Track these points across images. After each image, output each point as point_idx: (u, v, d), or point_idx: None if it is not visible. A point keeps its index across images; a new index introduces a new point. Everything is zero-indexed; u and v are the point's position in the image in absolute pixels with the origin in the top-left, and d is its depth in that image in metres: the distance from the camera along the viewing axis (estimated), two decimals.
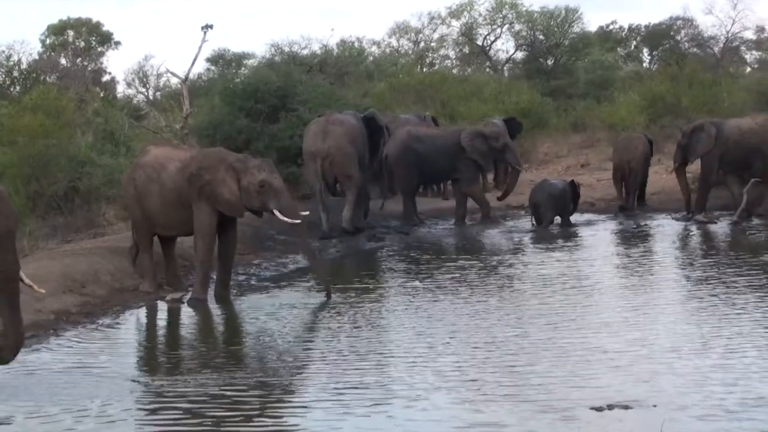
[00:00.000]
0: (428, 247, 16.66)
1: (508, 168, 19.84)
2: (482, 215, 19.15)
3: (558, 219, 18.43)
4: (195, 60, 28.49)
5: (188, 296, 12.33)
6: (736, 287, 11.78)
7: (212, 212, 12.13)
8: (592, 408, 7.29)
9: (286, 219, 12.05)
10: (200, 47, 24.64)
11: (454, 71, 42.23)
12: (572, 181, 19.19)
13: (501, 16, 41.95)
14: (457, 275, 13.43)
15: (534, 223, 18.43)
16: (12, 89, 28.82)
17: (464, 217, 19.23)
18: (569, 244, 16.29)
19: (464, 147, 18.70)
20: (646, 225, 18.33)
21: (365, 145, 17.98)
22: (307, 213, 12.91)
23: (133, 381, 8.60)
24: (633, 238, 16.91)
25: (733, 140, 18.67)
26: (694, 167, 19.27)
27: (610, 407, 7.29)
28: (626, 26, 47.70)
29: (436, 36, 44.83)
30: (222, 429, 7.25)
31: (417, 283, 12.97)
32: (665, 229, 17.90)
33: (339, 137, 17.30)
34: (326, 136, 17.27)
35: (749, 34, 45.22)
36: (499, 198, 19.64)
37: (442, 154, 18.85)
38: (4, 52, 29.55)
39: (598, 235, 17.36)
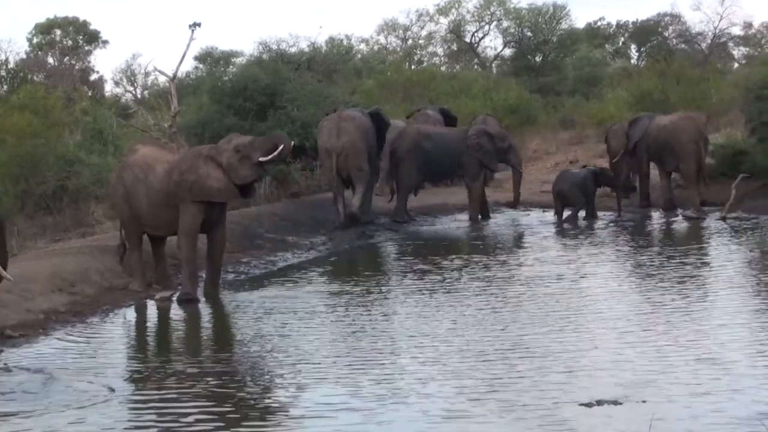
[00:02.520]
0: (417, 244, 16.69)
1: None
2: (470, 215, 19.17)
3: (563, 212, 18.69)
4: (183, 58, 28.53)
5: (177, 294, 12.32)
6: (727, 285, 11.82)
7: (198, 212, 12.17)
8: (581, 404, 7.31)
9: (276, 152, 12.19)
10: (188, 45, 24.49)
11: (443, 68, 42.23)
12: (601, 169, 19.41)
13: (489, 13, 41.98)
14: (444, 274, 13.41)
15: (556, 213, 18.72)
16: None
17: (487, 212, 19.37)
18: (555, 240, 16.30)
19: (470, 145, 18.79)
20: (635, 221, 18.33)
21: (374, 140, 18.55)
22: (292, 142, 12.98)
23: (122, 380, 8.60)
24: (623, 234, 16.90)
25: (653, 136, 19.43)
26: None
27: (599, 403, 7.31)
28: (614, 22, 47.86)
29: (424, 33, 44.91)
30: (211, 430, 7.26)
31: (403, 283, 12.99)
32: (654, 224, 17.94)
33: (352, 133, 17.92)
34: (340, 132, 17.88)
35: (737, 30, 45.43)
36: (511, 204, 19.81)
37: (449, 152, 18.94)
38: None
39: (586, 231, 17.38)
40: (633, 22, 47.05)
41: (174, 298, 12.26)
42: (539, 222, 18.63)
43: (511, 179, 20.00)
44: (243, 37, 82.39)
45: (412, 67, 40.96)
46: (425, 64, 43.22)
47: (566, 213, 18.65)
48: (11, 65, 29.79)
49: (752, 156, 19.12)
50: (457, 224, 18.99)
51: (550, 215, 19.29)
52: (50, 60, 35.83)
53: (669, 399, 7.39)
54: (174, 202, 12.28)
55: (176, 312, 11.83)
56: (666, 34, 45.92)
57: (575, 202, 18.60)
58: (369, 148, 18.25)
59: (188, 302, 12.05)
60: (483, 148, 18.82)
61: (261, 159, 12.17)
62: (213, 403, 7.77)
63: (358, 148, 17.88)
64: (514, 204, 19.78)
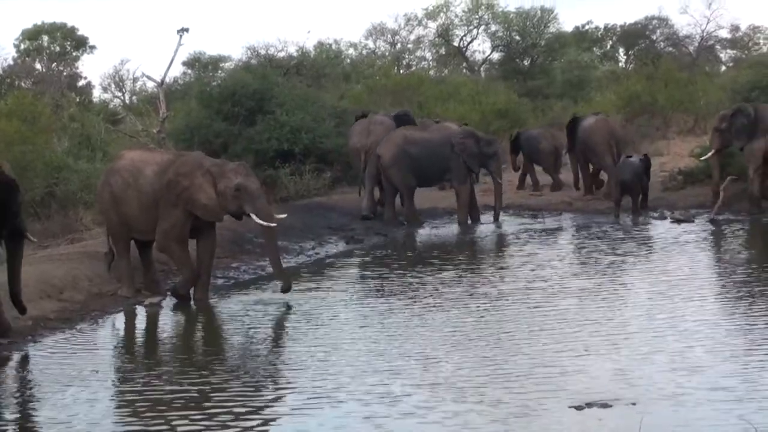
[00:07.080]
0: (408, 248, 16.69)
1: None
2: (459, 219, 19.10)
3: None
4: (171, 63, 28.42)
5: (166, 300, 12.30)
6: (717, 286, 11.84)
7: (184, 217, 12.15)
8: (571, 407, 7.32)
9: (262, 222, 12.19)
10: (176, 51, 24.54)
11: (431, 72, 42.26)
12: (645, 155, 19.60)
13: (477, 17, 42.00)
14: (433, 279, 13.40)
15: (615, 203, 18.96)
16: None
17: (477, 215, 19.34)
18: (541, 243, 16.31)
19: (454, 144, 18.74)
20: (625, 224, 18.33)
21: None
22: (284, 216, 12.99)
23: (110, 387, 8.59)
24: (613, 239, 16.89)
25: (578, 136, 20.97)
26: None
27: (590, 406, 7.32)
28: (602, 26, 47.89)
29: (412, 37, 44.88)
30: None
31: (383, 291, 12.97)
32: (642, 227, 17.94)
33: (380, 134, 20.02)
34: (369, 134, 20.26)
35: (724, 33, 45.51)
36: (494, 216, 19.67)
37: (435, 155, 18.92)
38: None
39: (575, 235, 17.39)
40: (621, 26, 47.11)
41: (163, 304, 12.26)
42: (530, 226, 18.59)
43: (501, 192, 19.58)
44: (231, 42, 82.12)
45: (401, 71, 41.00)
46: (414, 68, 43.25)
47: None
48: None
49: (740, 158, 19.13)
50: (446, 229, 18.94)
51: (539, 219, 19.30)
52: (38, 66, 35.75)
53: (659, 401, 7.40)
54: (161, 203, 12.22)
55: (165, 318, 11.80)
56: (654, 38, 45.99)
57: (637, 191, 18.92)
58: None
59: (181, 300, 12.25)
60: (467, 149, 18.74)
61: (251, 214, 12.18)
62: (200, 413, 7.75)
63: None
64: (495, 218, 19.26)
